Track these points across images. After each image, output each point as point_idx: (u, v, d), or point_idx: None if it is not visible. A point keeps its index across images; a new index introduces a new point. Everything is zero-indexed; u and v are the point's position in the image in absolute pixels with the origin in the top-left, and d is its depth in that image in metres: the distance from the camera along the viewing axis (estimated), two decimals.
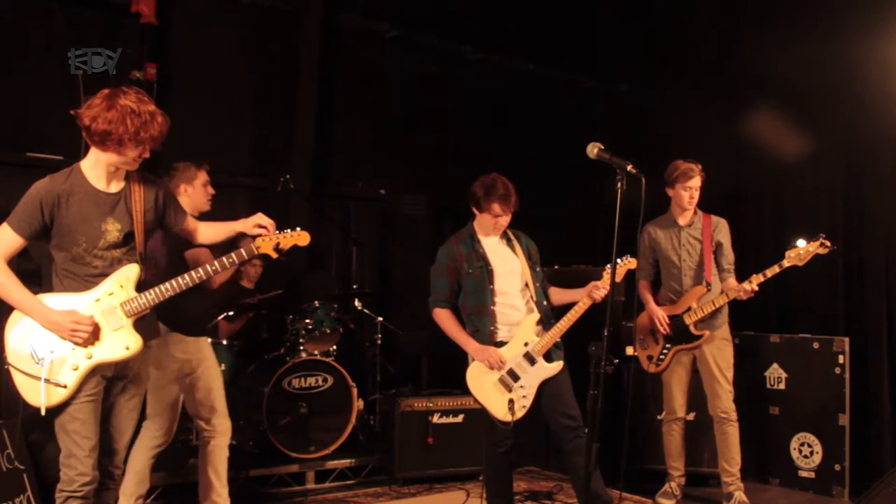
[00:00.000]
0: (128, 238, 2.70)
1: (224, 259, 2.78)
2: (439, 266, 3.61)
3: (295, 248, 2.92)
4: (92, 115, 2.52)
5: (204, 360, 3.56)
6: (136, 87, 2.63)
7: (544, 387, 3.50)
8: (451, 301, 3.60)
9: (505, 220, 3.54)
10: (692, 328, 4.15)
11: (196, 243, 3.04)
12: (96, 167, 2.65)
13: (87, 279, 2.66)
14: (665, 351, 4.26)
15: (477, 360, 3.50)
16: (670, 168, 4.22)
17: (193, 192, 3.65)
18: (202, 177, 3.67)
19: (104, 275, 2.67)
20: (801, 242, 3.91)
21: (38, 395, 2.57)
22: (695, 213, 4.28)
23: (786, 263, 3.91)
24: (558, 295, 3.66)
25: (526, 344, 3.50)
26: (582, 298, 3.46)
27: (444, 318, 3.58)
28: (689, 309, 4.15)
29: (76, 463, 2.59)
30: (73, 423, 2.60)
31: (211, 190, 3.71)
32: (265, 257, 2.89)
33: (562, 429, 3.46)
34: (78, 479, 2.58)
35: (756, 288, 3.97)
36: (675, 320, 4.19)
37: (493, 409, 3.50)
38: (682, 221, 4.27)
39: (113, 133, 2.51)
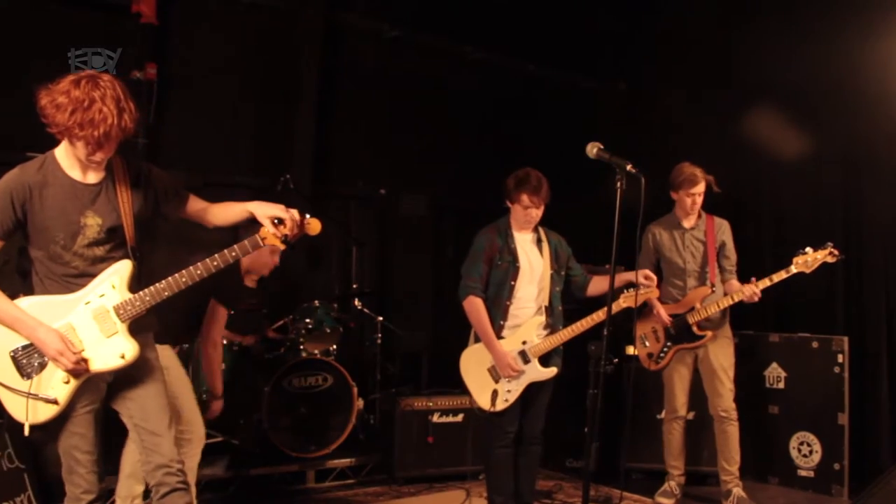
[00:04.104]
0: (111, 234, 2.45)
1: (226, 252, 2.52)
2: (477, 252, 3.60)
3: (306, 237, 2.67)
4: (47, 94, 2.27)
5: (168, 369, 3.33)
6: (123, 83, 2.37)
7: (529, 390, 3.56)
8: (485, 290, 3.58)
9: (536, 212, 3.57)
10: (695, 328, 4.16)
11: (209, 226, 2.73)
12: (68, 155, 2.41)
13: (66, 281, 2.42)
14: (665, 349, 4.27)
15: (495, 362, 3.54)
16: (675, 172, 4.23)
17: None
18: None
19: (85, 275, 2.43)
20: (809, 249, 3.91)
21: (22, 412, 2.33)
22: (699, 215, 4.30)
23: (793, 269, 3.90)
24: (600, 284, 3.69)
25: (524, 343, 3.54)
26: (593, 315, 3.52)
27: (476, 307, 3.54)
28: (692, 309, 4.16)
29: (79, 480, 2.45)
30: (71, 437, 2.44)
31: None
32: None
33: (521, 435, 3.61)
34: (84, 498, 2.45)
35: (759, 293, 3.96)
36: (678, 319, 4.19)
37: (477, 395, 3.58)
38: (686, 224, 4.29)
39: (50, 120, 2.27)
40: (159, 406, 2.56)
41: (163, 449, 2.51)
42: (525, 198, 3.52)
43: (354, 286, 5.69)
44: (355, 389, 4.84)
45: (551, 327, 3.60)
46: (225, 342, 4.96)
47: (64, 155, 2.43)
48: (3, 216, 2.35)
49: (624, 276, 3.61)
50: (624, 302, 3.50)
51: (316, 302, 5.06)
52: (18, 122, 4.68)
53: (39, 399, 2.34)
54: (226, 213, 2.68)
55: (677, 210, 4.33)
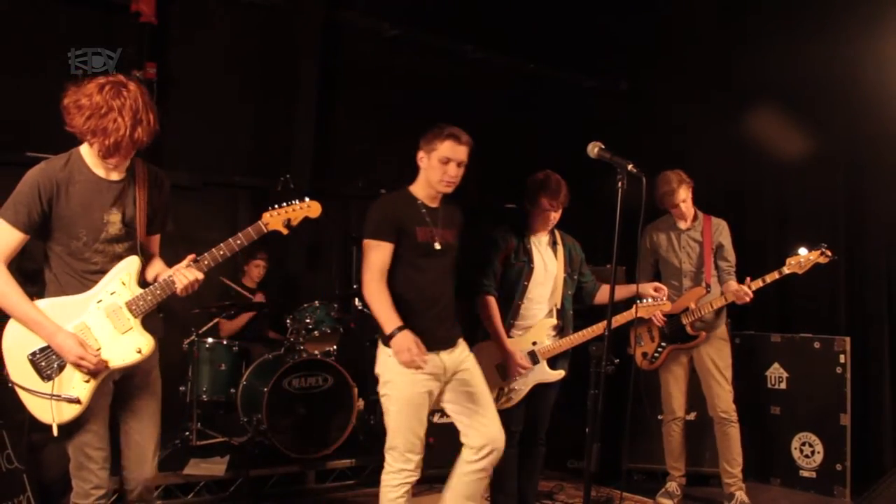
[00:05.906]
0: (130, 231, 2.49)
1: (231, 241, 2.53)
2: (492, 250, 3.62)
3: (306, 220, 2.66)
4: (73, 93, 2.31)
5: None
6: (146, 88, 2.43)
7: (535, 391, 3.57)
8: (498, 288, 3.59)
9: (554, 215, 3.58)
10: (689, 328, 4.16)
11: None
12: (92, 153, 2.43)
13: (84, 277, 2.44)
14: (660, 349, 4.27)
15: (504, 360, 3.54)
16: (655, 187, 4.18)
17: (427, 165, 3.11)
18: (444, 150, 3.05)
19: (103, 272, 2.45)
20: (802, 251, 3.94)
21: (47, 413, 2.35)
22: (695, 216, 4.29)
23: (786, 270, 3.93)
24: (606, 293, 3.64)
25: (534, 343, 3.56)
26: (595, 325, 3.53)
27: (489, 306, 3.55)
28: (686, 309, 4.16)
29: (90, 476, 2.45)
30: (84, 434, 2.43)
31: (452, 172, 3.08)
32: (276, 234, 2.61)
33: (525, 436, 3.61)
34: (94, 493, 2.46)
35: (751, 293, 3.97)
36: (673, 319, 4.19)
37: None
38: (682, 225, 4.29)
39: (69, 120, 2.31)
40: (153, 422, 2.61)
41: (146, 466, 2.58)
42: (544, 201, 3.53)
43: (354, 286, 5.67)
44: (356, 390, 4.82)
45: (562, 330, 3.61)
46: (224, 342, 4.96)
47: (88, 152, 2.45)
48: (30, 209, 2.36)
49: (633, 289, 3.59)
50: (637, 312, 3.51)
51: (316, 302, 5.05)
52: (19, 122, 4.69)
53: (62, 400, 2.36)
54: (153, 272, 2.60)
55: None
